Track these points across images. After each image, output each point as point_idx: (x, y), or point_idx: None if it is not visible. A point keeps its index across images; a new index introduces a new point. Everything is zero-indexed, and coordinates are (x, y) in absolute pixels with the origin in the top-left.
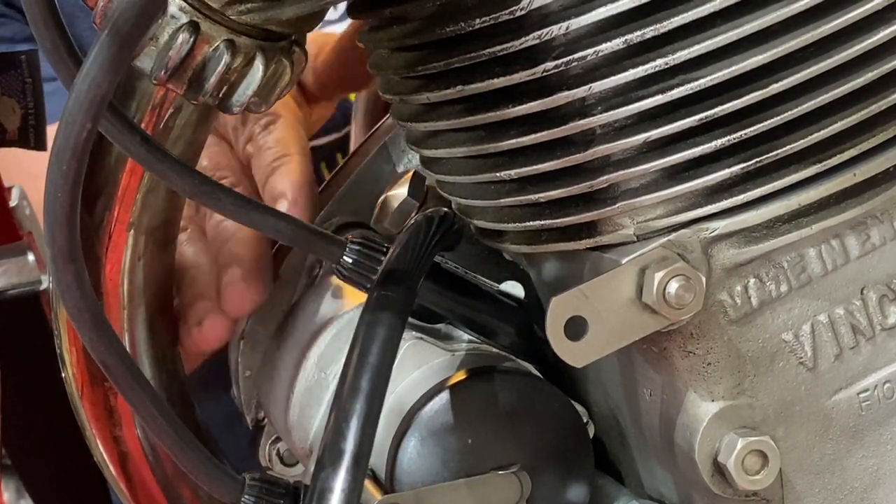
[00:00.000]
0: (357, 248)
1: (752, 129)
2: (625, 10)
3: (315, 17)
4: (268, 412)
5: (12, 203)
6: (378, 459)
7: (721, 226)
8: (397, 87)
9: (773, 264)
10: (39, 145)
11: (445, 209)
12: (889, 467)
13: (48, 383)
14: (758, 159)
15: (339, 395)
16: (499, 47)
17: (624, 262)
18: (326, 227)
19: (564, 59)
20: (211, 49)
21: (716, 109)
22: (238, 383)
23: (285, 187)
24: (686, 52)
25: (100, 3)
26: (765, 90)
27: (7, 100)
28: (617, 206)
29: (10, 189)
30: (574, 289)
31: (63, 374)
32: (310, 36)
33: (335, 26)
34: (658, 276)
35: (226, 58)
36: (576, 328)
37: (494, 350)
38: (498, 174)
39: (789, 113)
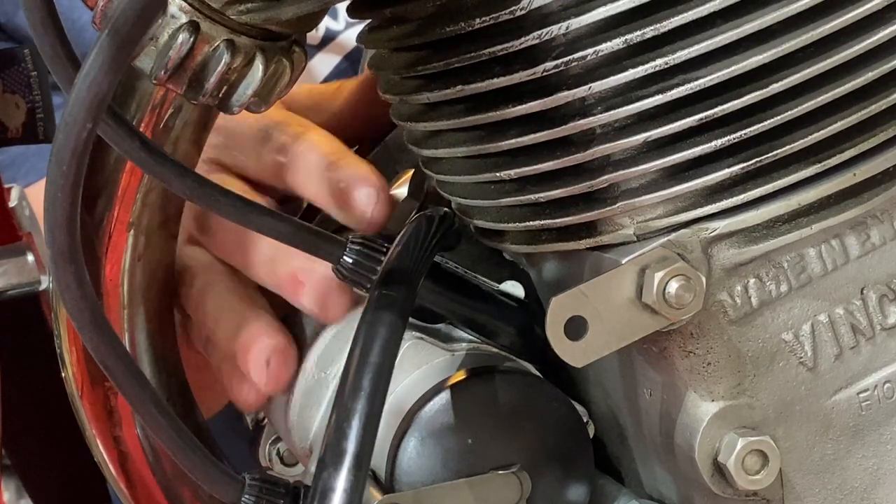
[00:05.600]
0: (357, 248)
1: (751, 129)
2: (625, 9)
3: (315, 17)
4: (268, 412)
5: (12, 203)
6: (378, 459)
7: (721, 226)
8: (397, 87)
9: (773, 264)
10: (49, 138)
11: (445, 209)
12: (889, 467)
13: (48, 383)
14: (758, 159)
15: (340, 394)
16: (499, 47)
17: (624, 262)
18: (326, 228)
19: (564, 59)
20: (211, 49)
21: (716, 109)
22: None
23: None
24: (686, 51)
25: (100, 3)
26: (765, 90)
27: (10, 97)
28: (617, 205)
29: (9, 189)
30: (574, 289)
31: (63, 374)
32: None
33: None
34: (658, 276)
35: (226, 58)
36: (576, 328)
37: (494, 350)
38: (498, 174)
39: (789, 113)
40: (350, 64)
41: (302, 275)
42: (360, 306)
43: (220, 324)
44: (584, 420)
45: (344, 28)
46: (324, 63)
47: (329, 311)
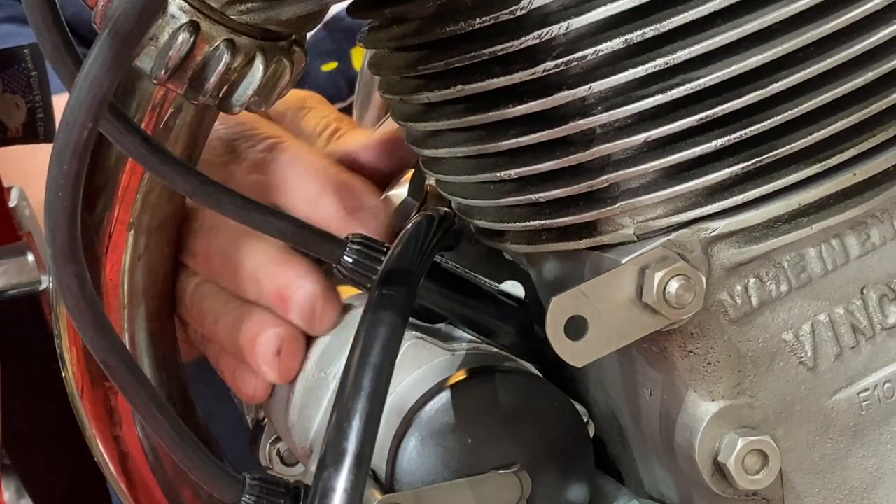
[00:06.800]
0: (357, 247)
1: (752, 129)
2: (625, 9)
3: (315, 17)
4: (268, 412)
5: (12, 203)
6: (378, 459)
7: (721, 225)
8: (397, 87)
9: (773, 264)
10: (49, 137)
11: (445, 209)
12: (889, 467)
13: (48, 383)
14: (758, 159)
15: (340, 394)
16: (499, 47)
17: (624, 261)
18: None
19: (564, 59)
20: (211, 49)
21: (716, 109)
22: None
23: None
24: (686, 51)
25: (100, 3)
26: (765, 90)
27: (10, 96)
28: (617, 205)
29: (9, 189)
30: (574, 288)
31: (63, 374)
32: None
33: None
34: (658, 275)
35: (226, 58)
36: (576, 328)
37: (494, 350)
38: (498, 174)
39: (789, 113)
40: (328, 33)
41: (287, 291)
42: (361, 308)
43: (220, 320)
44: (584, 420)
45: None
46: None
47: (316, 324)
